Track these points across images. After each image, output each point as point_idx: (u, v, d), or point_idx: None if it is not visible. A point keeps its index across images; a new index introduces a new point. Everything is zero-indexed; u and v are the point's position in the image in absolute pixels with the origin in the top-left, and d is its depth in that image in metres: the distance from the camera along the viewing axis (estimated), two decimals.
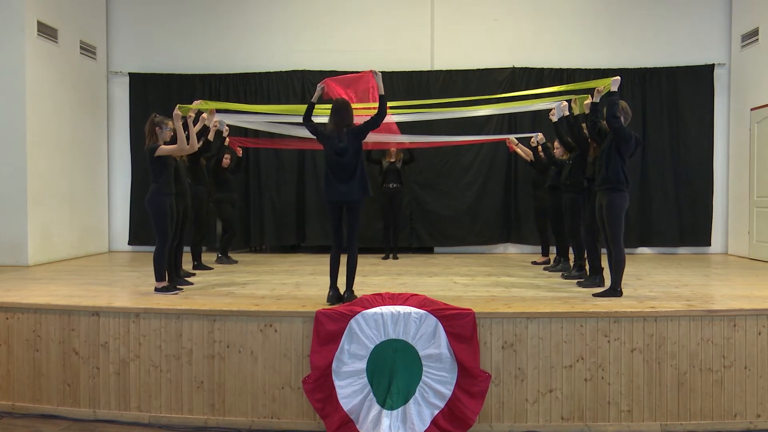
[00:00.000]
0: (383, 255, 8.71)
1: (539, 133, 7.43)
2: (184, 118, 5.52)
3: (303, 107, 5.32)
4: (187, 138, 5.35)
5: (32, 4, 7.98)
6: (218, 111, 6.85)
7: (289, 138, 7.95)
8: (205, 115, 6.53)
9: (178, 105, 5.54)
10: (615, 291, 5.17)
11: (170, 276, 5.69)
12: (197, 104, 6.07)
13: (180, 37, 9.77)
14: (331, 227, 5.15)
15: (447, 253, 9.52)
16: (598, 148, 5.43)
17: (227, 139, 7.60)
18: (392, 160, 8.61)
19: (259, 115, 7.37)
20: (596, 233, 5.69)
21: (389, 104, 5.65)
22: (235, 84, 9.66)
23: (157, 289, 5.41)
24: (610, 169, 5.11)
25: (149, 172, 5.39)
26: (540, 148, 7.34)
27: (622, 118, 5.09)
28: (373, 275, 6.83)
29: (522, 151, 7.99)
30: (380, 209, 8.78)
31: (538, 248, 8.41)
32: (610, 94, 5.16)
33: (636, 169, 9.15)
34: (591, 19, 9.52)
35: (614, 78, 5.21)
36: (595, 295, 5.22)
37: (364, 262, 8.03)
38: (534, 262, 8.04)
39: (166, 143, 5.42)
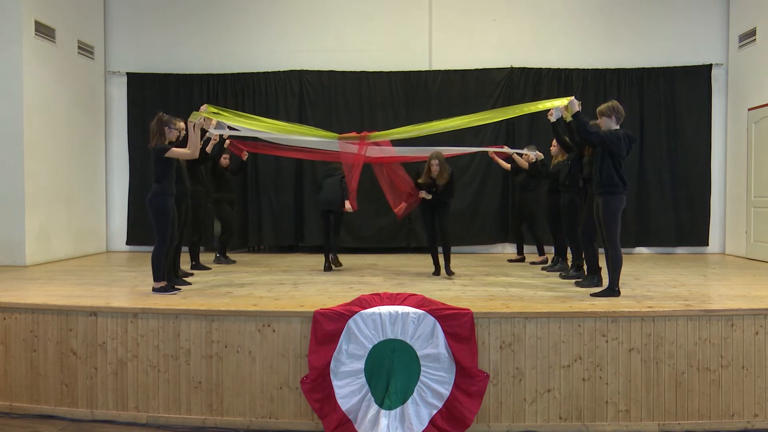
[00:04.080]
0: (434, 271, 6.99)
1: (537, 152, 7.39)
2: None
3: (309, 129, 6.47)
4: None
5: (30, 3, 7.96)
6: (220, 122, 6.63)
7: (289, 147, 7.87)
8: (211, 128, 6.41)
9: (193, 112, 5.54)
10: (613, 291, 5.18)
11: (168, 276, 5.69)
12: (204, 110, 5.98)
13: (178, 37, 9.76)
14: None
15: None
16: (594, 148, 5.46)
17: (228, 141, 7.52)
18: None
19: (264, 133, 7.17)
20: (594, 233, 5.70)
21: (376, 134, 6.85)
22: (233, 84, 9.64)
23: (155, 290, 5.41)
24: (604, 173, 5.14)
25: (153, 171, 5.39)
26: (538, 163, 7.36)
27: (613, 118, 5.15)
28: (371, 275, 6.83)
29: (503, 162, 8.04)
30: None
31: (536, 248, 8.42)
32: (575, 116, 5.24)
33: (633, 169, 9.15)
34: (589, 19, 9.53)
35: (569, 100, 5.29)
36: (593, 294, 5.23)
37: (362, 263, 8.04)
38: (532, 263, 8.06)
39: (171, 143, 5.44)
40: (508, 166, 8.13)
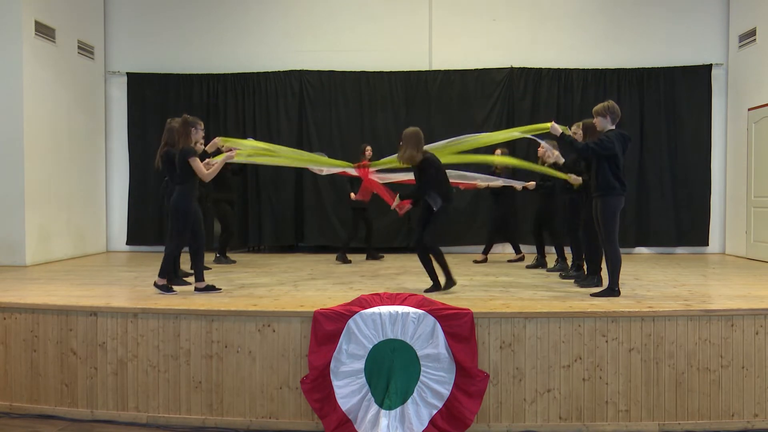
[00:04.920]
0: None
1: (526, 183, 7.48)
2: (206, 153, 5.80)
3: (326, 159, 6.94)
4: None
5: (30, 3, 7.96)
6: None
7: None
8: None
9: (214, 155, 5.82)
10: (612, 291, 5.18)
11: (169, 276, 5.70)
12: (217, 143, 5.93)
13: (178, 37, 9.76)
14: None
15: (444, 252, 9.45)
16: None
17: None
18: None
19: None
20: (594, 233, 5.70)
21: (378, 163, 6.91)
22: (233, 84, 9.64)
23: (156, 285, 5.41)
24: (600, 177, 5.17)
25: (175, 173, 5.42)
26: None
27: (608, 118, 5.18)
28: (371, 275, 6.83)
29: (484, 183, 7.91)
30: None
31: (535, 248, 8.44)
32: (560, 138, 5.27)
33: (633, 169, 9.15)
34: (589, 19, 9.53)
35: (551, 125, 5.29)
36: (593, 294, 5.23)
37: (362, 262, 8.04)
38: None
39: (197, 143, 5.55)
40: (485, 184, 7.94)
